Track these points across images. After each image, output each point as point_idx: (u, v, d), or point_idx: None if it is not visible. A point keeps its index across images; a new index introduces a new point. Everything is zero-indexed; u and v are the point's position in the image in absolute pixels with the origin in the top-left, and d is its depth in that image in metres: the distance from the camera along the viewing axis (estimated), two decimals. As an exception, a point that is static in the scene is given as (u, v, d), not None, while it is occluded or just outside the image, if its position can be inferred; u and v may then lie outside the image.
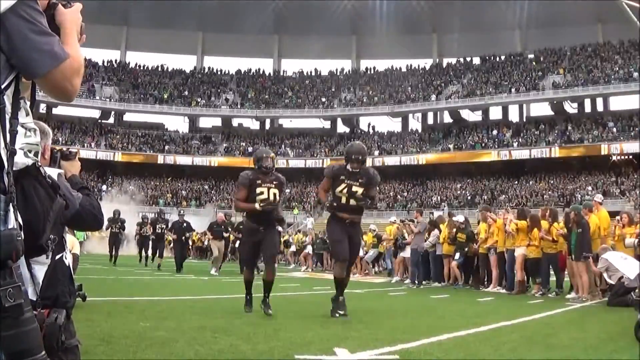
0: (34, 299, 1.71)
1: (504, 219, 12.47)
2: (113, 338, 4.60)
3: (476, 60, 55.70)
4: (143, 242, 19.44)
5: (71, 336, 2.29)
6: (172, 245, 19.50)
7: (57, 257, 2.15)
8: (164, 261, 18.18)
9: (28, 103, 1.51)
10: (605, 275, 9.87)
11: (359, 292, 11.12)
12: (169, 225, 19.12)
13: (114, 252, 19.14)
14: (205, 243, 29.35)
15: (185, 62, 61.77)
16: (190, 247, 33.44)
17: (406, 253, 14.96)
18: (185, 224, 17.73)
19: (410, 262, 14.32)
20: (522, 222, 11.99)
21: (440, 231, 14.09)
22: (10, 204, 1.32)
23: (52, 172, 2.43)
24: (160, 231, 18.33)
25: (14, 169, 1.36)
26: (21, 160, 1.40)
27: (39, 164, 1.50)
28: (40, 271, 1.69)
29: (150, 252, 19.69)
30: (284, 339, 4.98)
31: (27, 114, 1.49)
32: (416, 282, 13.69)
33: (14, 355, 1.28)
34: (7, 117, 1.37)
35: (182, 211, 23.90)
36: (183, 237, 17.40)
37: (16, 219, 1.34)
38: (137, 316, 6.19)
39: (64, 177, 2.61)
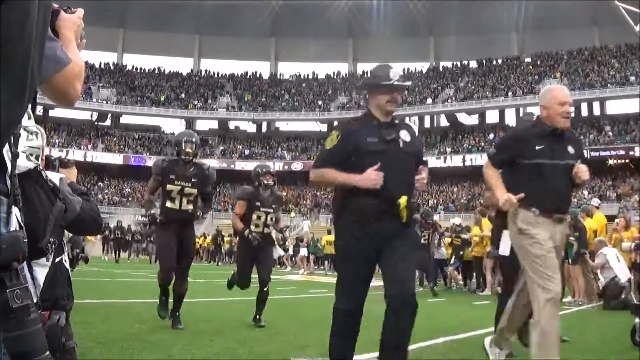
0: (35, 300, 1.72)
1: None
2: (109, 340, 4.61)
3: (473, 64, 55.72)
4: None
5: (69, 338, 2.31)
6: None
7: (57, 260, 2.16)
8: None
9: (30, 106, 1.52)
10: (599, 273, 9.89)
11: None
12: None
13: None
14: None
15: (182, 65, 61.70)
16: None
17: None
18: None
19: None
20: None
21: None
22: (14, 207, 1.33)
23: (54, 177, 2.45)
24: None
25: (16, 172, 1.37)
26: (23, 163, 1.40)
27: (40, 167, 1.51)
28: (41, 273, 1.70)
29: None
30: (280, 342, 4.99)
31: (29, 118, 1.49)
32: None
33: (19, 356, 1.29)
34: None
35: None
36: None
37: (18, 222, 1.35)
38: (134, 319, 6.18)
39: (65, 181, 2.63)
